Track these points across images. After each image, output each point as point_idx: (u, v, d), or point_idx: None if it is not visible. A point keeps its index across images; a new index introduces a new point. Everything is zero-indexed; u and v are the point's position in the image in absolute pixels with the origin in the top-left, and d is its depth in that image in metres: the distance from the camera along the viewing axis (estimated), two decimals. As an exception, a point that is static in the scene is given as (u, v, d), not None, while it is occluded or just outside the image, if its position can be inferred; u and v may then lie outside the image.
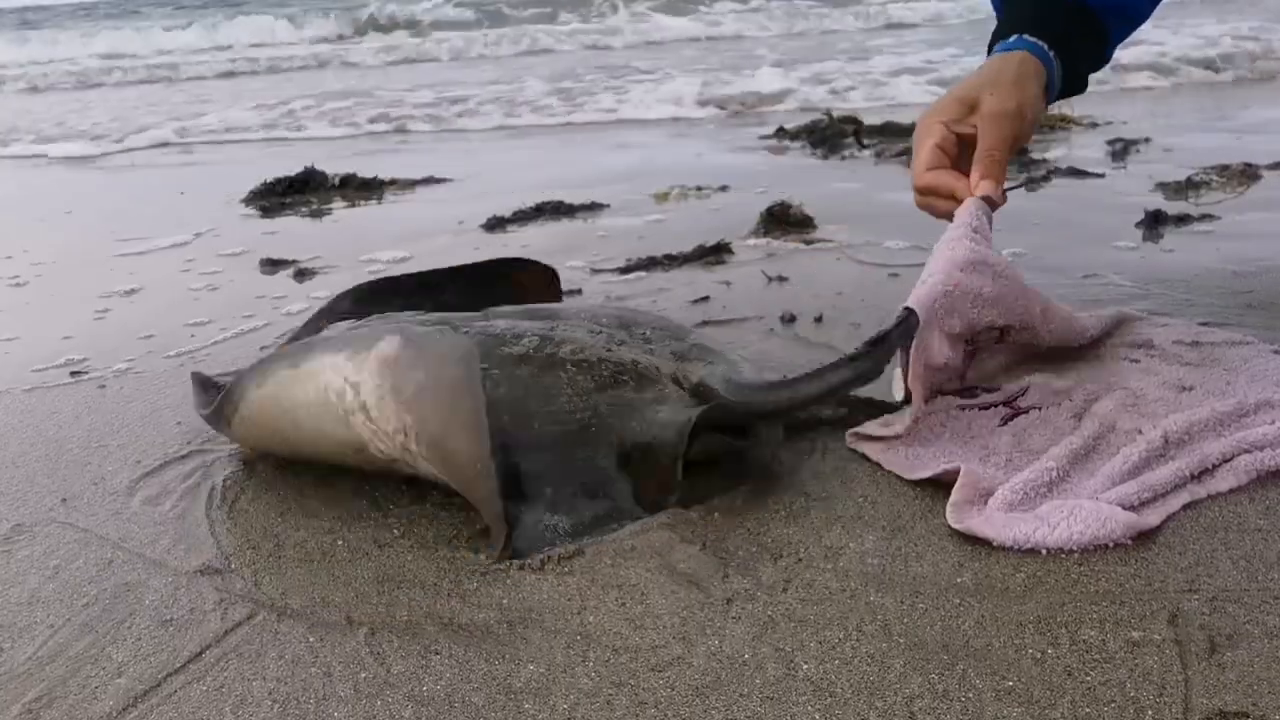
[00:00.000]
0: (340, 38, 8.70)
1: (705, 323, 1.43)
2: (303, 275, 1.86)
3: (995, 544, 0.85)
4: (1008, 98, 1.09)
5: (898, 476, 0.97)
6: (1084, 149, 2.60)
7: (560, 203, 2.26)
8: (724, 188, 2.39)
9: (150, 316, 1.65)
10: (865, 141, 2.85)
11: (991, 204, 1.09)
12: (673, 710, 0.68)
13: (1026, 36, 1.14)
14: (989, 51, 1.19)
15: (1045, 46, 1.14)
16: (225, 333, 1.54)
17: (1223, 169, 2.18)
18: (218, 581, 0.87)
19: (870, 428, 1.03)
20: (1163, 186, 2.11)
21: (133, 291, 1.81)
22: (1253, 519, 0.86)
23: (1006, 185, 1.11)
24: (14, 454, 1.16)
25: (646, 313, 1.26)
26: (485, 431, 0.87)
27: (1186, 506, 0.88)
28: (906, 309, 1.00)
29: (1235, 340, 1.17)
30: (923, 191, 1.13)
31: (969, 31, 6.01)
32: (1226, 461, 0.92)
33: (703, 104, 3.88)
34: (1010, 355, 1.15)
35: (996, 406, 1.05)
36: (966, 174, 1.10)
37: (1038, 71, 1.12)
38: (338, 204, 2.53)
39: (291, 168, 2.67)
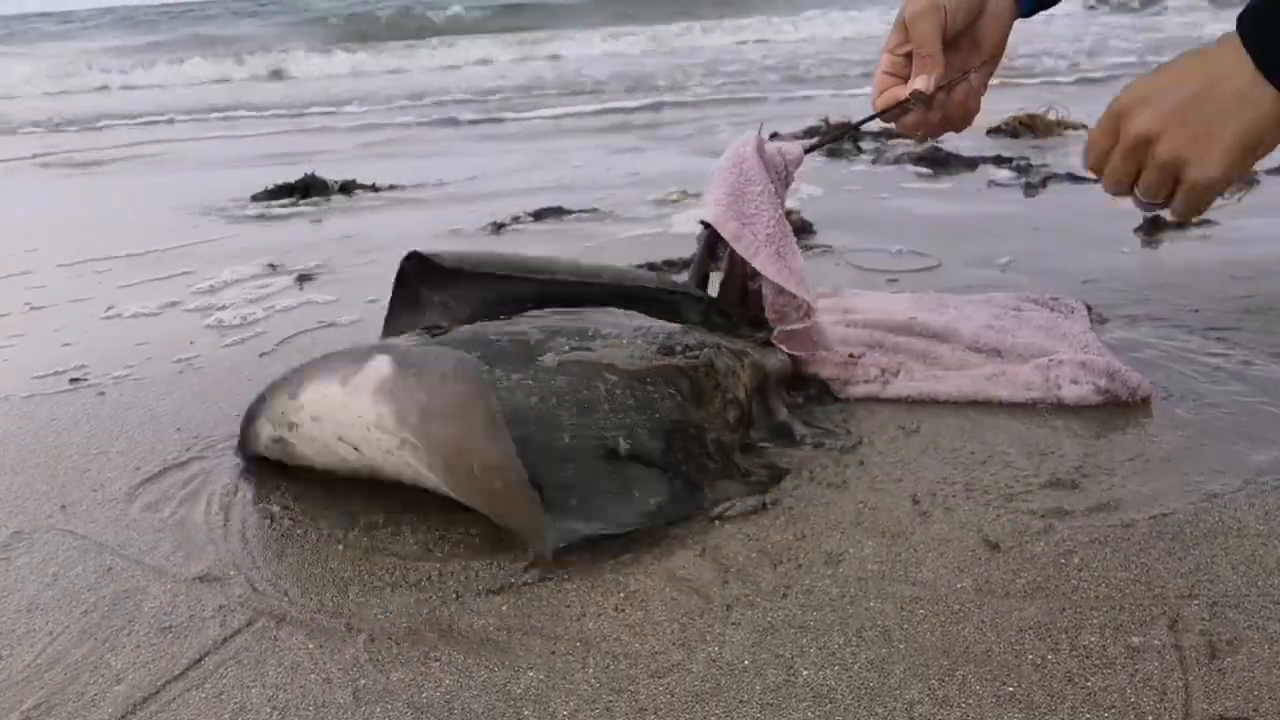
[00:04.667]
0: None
1: (704, 328, 1.43)
2: (304, 280, 1.86)
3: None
4: None
5: (896, 482, 0.97)
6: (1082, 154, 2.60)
7: (560, 207, 2.27)
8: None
9: (149, 323, 1.65)
10: (862, 146, 2.86)
11: (921, 97, 1.07)
12: (672, 716, 0.68)
13: None
14: None
15: None
16: (226, 339, 1.54)
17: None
18: (217, 588, 0.87)
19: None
20: (1161, 191, 2.11)
21: (132, 297, 1.81)
22: (1252, 524, 0.86)
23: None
24: (13, 461, 1.16)
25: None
26: (510, 447, 0.84)
27: (1187, 510, 0.89)
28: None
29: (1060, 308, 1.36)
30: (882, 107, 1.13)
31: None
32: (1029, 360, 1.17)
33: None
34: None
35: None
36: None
37: None
38: (339, 208, 2.53)
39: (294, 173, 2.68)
